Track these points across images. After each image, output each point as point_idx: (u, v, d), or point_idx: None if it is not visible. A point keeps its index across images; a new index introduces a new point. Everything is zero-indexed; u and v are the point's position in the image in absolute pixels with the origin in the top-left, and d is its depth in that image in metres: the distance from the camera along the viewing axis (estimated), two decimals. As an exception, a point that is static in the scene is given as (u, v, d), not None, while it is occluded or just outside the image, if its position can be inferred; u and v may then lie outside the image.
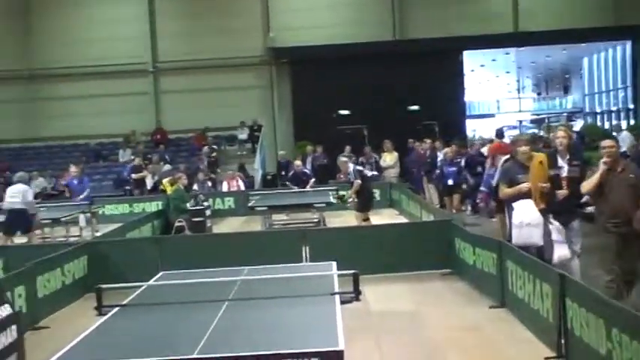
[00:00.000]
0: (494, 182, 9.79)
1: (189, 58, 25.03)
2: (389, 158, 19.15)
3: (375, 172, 18.94)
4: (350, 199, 12.67)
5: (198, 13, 25.36)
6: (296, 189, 15.96)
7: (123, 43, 25.24)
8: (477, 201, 13.71)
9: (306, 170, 17.27)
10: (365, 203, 12.22)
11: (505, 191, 7.45)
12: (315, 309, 4.78)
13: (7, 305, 5.58)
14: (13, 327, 5.51)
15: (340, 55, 23.80)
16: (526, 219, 7.00)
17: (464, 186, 14.28)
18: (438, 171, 14.84)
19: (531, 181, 7.12)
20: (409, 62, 23.74)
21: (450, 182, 14.04)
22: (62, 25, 25.46)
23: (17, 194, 12.20)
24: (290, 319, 4.59)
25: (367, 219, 12.10)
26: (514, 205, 7.17)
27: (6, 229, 12.43)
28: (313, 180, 16.45)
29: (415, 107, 24.35)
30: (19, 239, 12.67)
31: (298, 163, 17.31)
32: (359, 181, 12.04)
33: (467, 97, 28.48)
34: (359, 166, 13.37)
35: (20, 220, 12.19)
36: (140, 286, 5.97)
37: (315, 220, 14.47)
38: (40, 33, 25.66)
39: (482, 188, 12.23)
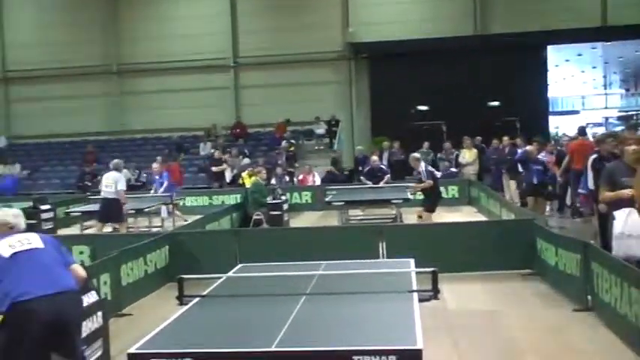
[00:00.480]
0: (590, 183, 9.21)
1: (269, 54, 25.26)
2: (468, 155, 18.86)
3: (454, 169, 18.71)
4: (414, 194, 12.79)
5: (279, 8, 25.60)
6: (370, 184, 15.87)
7: (205, 39, 25.74)
8: (577, 205, 13.22)
9: (382, 166, 17.14)
10: (434, 202, 12.22)
11: (606, 195, 6.92)
12: (393, 306, 4.73)
13: (93, 292, 5.78)
14: (99, 313, 5.71)
15: (419, 50, 23.52)
16: (627, 230, 6.49)
17: (549, 187, 13.78)
18: (521, 169, 14.41)
19: (636, 185, 6.48)
20: (490, 57, 23.25)
21: (535, 181, 13.56)
22: (148, 22, 26.20)
23: (111, 183, 12.62)
24: (368, 315, 4.56)
25: (421, 217, 12.13)
26: (615, 214, 6.66)
27: (100, 218, 12.88)
28: (388, 176, 16.33)
29: (496, 103, 23.83)
30: (108, 228, 13.13)
31: (375, 158, 17.20)
32: (431, 182, 11.98)
33: (550, 93, 27.66)
34: (430, 167, 13.30)
35: (112, 210, 12.59)
36: (220, 278, 6.06)
37: (392, 216, 14.37)
38: (126, 29, 26.49)
39: (580, 190, 11.72)
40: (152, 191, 15.72)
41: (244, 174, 16.54)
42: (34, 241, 4.51)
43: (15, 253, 4.37)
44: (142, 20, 26.26)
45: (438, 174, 13.87)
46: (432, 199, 12.16)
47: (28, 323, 4.11)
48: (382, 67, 24.77)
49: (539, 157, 14.00)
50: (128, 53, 26.49)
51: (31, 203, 14.90)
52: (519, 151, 15.73)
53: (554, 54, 26.28)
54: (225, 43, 25.91)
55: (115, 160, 13.56)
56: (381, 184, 15.67)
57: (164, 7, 26.38)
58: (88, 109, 26.33)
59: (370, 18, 24.88)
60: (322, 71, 25.52)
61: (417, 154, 13.14)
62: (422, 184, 12.13)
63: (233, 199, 17.09)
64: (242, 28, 25.98)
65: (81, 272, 4.75)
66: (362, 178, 16.91)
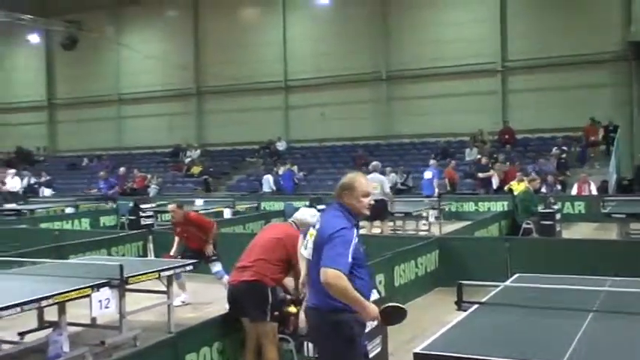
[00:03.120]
0: None
1: (539, 57, 24.39)
2: None
3: None
4: None
5: (550, 9, 24.56)
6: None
7: (472, 44, 25.63)
8: None
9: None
10: None
11: None
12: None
13: (374, 290, 6.06)
14: (379, 311, 5.96)
15: None
16: None
17: None
18: None
19: None
20: None
21: None
22: (415, 29, 26.78)
23: (377, 185, 13.20)
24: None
25: None
26: None
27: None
28: None
29: None
30: (375, 229, 13.67)
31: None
32: None
33: None
34: None
35: (379, 209, 13.16)
36: (497, 286, 5.98)
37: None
38: (395, 38, 27.33)
39: None
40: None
41: (513, 182, 16.18)
42: (310, 250, 4.55)
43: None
44: (410, 28, 26.88)
45: None
46: None
47: None
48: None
49: None
50: (396, 60, 27.29)
51: (307, 203, 16.01)
52: None
53: None
54: (493, 47, 25.52)
55: (375, 163, 14.21)
56: None
57: (431, 14, 26.72)
58: (358, 114, 27.65)
59: (656, 13, 22.76)
60: (597, 73, 23.98)
61: None
62: None
63: (500, 206, 16.80)
64: (511, 31, 25.39)
65: (323, 277, 4.11)
66: None
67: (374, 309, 4.20)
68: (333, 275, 4.06)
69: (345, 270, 4.08)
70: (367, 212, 4.44)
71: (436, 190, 17.67)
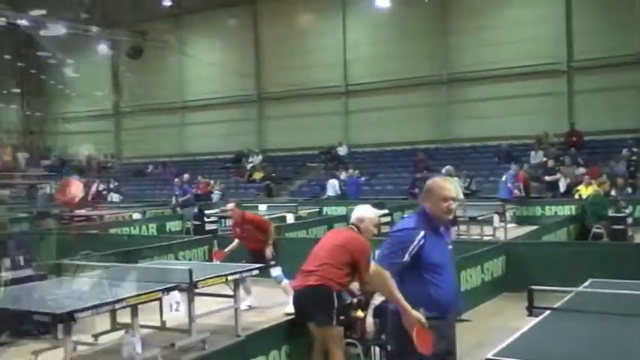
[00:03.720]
0: None
1: (606, 55, 23.68)
2: None
3: None
4: None
5: (617, 5, 23.79)
6: None
7: (536, 44, 25.11)
8: None
9: None
10: None
11: None
12: None
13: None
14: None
15: None
16: None
17: None
18: None
19: None
20: None
21: None
22: (476, 31, 26.34)
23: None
24: None
25: None
26: None
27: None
28: None
29: None
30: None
31: None
32: None
33: None
34: None
35: None
36: (569, 292, 5.84)
37: None
38: (455, 40, 27.00)
39: None
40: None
41: (581, 186, 15.79)
42: None
43: None
44: (471, 30, 26.50)
45: None
46: None
47: None
48: None
49: None
50: (456, 63, 26.99)
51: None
52: None
53: None
54: (558, 47, 24.94)
55: (448, 167, 14.01)
56: None
57: (493, 14, 26.29)
58: (417, 118, 27.45)
59: None
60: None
61: None
62: None
63: (567, 210, 16.41)
64: (576, 30, 24.74)
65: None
66: None
67: (411, 318, 4.06)
68: (372, 268, 4.24)
69: (389, 267, 4.09)
70: (447, 216, 4.35)
71: (516, 192, 17.57)
